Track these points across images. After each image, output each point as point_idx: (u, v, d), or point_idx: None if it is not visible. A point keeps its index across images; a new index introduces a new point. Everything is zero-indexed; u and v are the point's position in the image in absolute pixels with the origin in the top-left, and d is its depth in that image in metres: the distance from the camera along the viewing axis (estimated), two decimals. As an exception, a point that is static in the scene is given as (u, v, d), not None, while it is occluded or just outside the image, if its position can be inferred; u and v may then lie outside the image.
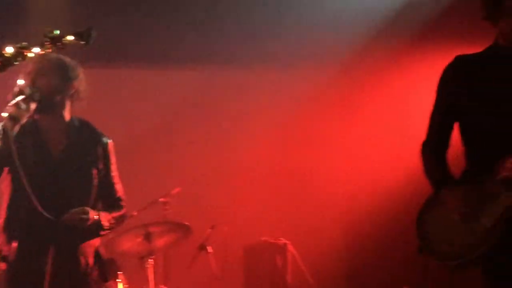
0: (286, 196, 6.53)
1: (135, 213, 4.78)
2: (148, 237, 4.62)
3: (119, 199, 3.61)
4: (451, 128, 3.13)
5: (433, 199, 3.08)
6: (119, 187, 3.61)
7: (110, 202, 3.56)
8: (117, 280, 4.09)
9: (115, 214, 3.54)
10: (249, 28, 6.03)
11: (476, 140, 3.04)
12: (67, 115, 3.44)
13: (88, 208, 3.36)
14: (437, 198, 3.06)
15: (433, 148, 3.15)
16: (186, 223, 4.84)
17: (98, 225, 3.41)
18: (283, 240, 6.05)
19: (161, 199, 5.27)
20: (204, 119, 6.48)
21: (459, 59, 3.11)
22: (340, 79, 6.57)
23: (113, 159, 3.58)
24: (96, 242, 3.52)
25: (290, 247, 6.02)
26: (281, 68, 6.47)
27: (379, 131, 6.49)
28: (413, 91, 6.16)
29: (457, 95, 3.04)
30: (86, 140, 3.49)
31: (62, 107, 3.41)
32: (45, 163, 3.38)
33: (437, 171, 3.12)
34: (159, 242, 4.74)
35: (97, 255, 3.50)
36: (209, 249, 5.32)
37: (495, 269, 2.93)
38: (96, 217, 3.39)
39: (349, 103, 6.65)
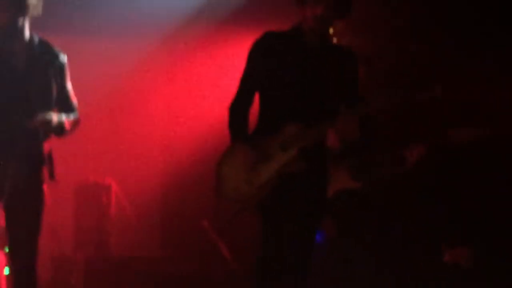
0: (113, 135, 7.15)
1: None
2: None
3: (74, 107, 3.86)
4: (254, 93, 3.50)
5: (229, 151, 3.47)
6: (73, 96, 3.86)
7: (68, 109, 3.81)
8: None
9: (73, 119, 3.81)
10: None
11: (268, 107, 3.47)
12: (27, 33, 3.69)
13: (52, 112, 3.64)
14: (232, 150, 3.46)
15: (237, 107, 3.51)
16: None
17: (61, 127, 3.69)
18: (109, 181, 6.71)
19: None
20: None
21: (267, 35, 3.44)
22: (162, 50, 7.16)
23: (68, 72, 3.82)
24: (49, 145, 3.76)
25: (114, 187, 6.70)
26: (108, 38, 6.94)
27: (199, 91, 7.15)
28: (230, 63, 6.48)
29: (259, 67, 3.43)
30: (46, 55, 3.72)
31: (23, 27, 3.66)
32: (10, 75, 3.62)
33: (235, 127, 3.49)
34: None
35: (49, 156, 3.80)
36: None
37: (269, 214, 3.46)
38: (59, 119, 3.66)
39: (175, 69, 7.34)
